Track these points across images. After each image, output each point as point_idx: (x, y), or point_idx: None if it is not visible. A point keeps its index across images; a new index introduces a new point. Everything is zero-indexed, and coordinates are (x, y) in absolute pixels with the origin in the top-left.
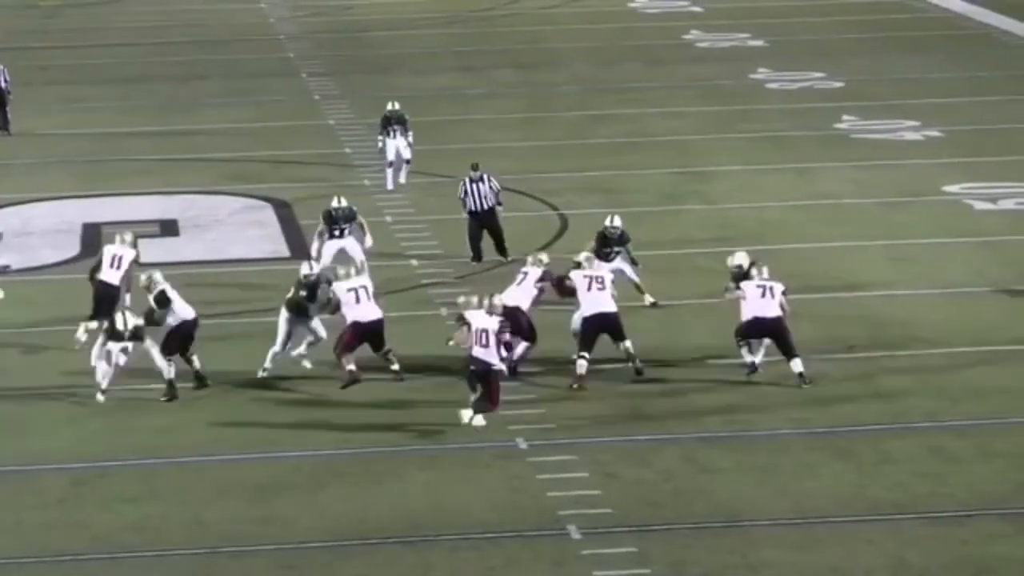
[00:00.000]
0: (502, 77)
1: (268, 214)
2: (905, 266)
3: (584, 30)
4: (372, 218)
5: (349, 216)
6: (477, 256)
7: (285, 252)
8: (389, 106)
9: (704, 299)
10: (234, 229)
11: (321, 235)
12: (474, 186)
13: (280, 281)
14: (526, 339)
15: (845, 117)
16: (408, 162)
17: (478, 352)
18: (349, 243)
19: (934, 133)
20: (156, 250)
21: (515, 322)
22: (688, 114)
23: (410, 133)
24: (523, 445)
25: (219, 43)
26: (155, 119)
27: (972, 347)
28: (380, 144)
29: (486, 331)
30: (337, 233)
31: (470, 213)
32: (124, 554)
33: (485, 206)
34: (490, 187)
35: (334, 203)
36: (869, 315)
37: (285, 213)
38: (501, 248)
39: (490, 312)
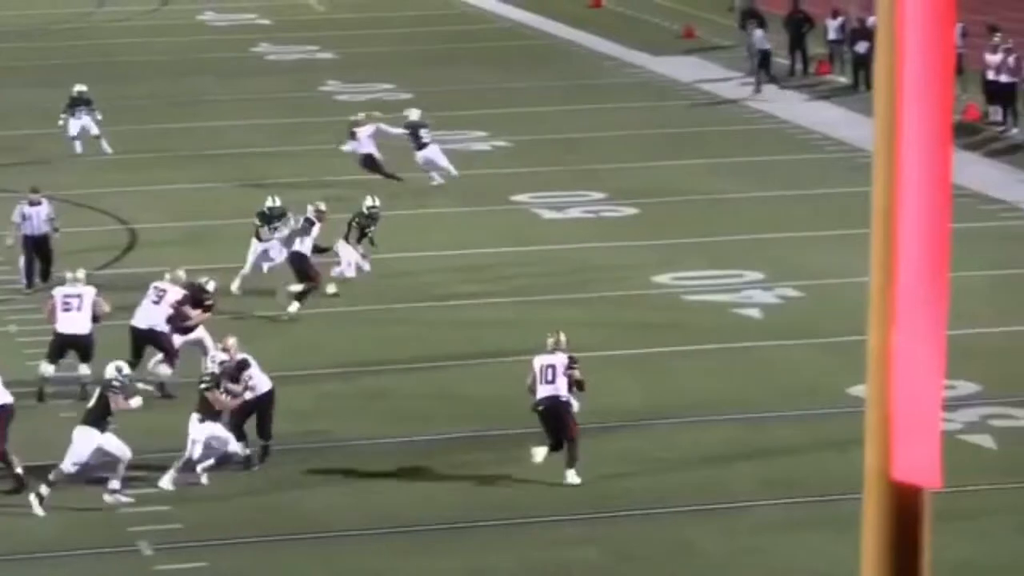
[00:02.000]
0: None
1: None
2: (475, 274)
3: (157, 43)
4: None
5: (281, 214)
6: (29, 282)
7: None
8: (76, 88)
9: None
10: None
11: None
12: (33, 210)
13: None
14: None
15: None
16: (99, 137)
17: (545, 390)
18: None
19: (502, 143)
20: None
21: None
22: (260, 127)
23: (97, 112)
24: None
25: None
26: None
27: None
28: (62, 123)
29: (552, 367)
30: (266, 235)
31: (26, 237)
32: None
33: (42, 231)
34: (47, 212)
35: (268, 202)
36: (436, 323)
37: None
38: (46, 274)
39: (554, 349)
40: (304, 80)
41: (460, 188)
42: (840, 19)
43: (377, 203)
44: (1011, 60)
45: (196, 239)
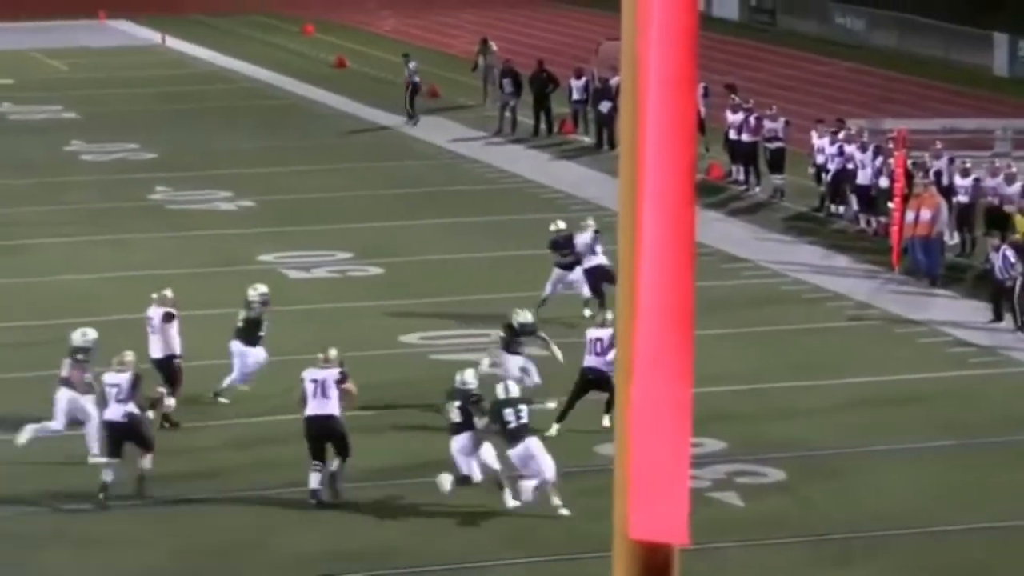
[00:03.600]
0: None
1: None
2: (223, 335)
3: None
4: None
5: (568, 237)
6: None
7: None
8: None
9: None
10: None
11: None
12: None
13: None
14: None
15: (159, 188)
16: None
17: (592, 361)
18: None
19: (247, 203)
20: None
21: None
22: (5, 187)
23: None
24: None
25: None
26: None
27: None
28: None
29: (601, 340)
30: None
31: None
32: None
33: None
34: None
35: (552, 227)
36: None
37: None
38: None
39: (601, 325)
40: (49, 140)
41: (207, 248)
42: (583, 79)
43: (530, 318)
44: (751, 120)
45: None
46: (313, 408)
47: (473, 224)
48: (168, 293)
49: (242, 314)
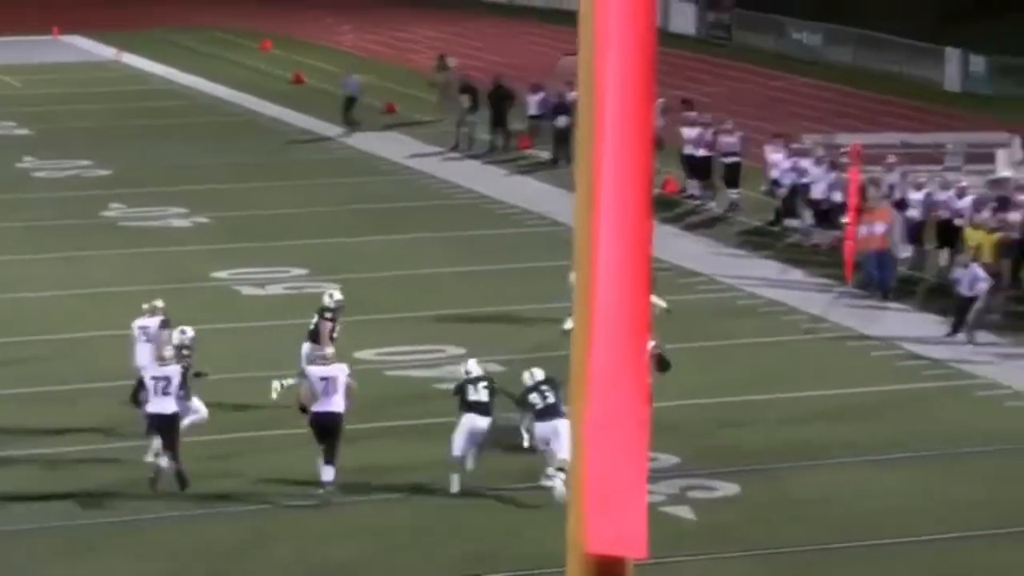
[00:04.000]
0: None
1: None
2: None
3: None
4: None
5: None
6: None
7: None
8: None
9: None
10: None
11: None
12: None
13: None
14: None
15: (113, 205)
16: None
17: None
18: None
19: (202, 219)
20: None
21: None
22: None
23: None
24: None
25: None
26: None
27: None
28: None
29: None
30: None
31: None
32: None
33: None
34: None
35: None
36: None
37: None
38: None
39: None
40: (1, 157)
41: (161, 265)
42: (540, 94)
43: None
44: (708, 135)
45: None
46: (323, 405)
47: (430, 240)
48: (159, 303)
49: (316, 319)
